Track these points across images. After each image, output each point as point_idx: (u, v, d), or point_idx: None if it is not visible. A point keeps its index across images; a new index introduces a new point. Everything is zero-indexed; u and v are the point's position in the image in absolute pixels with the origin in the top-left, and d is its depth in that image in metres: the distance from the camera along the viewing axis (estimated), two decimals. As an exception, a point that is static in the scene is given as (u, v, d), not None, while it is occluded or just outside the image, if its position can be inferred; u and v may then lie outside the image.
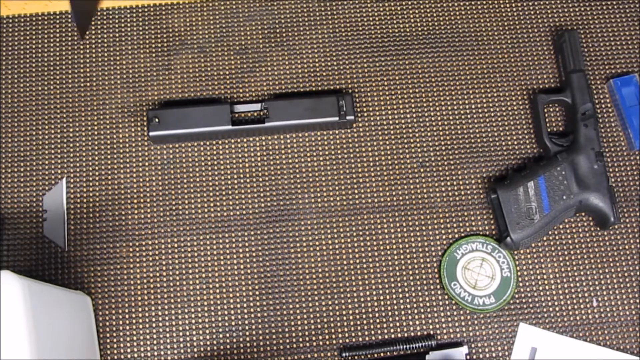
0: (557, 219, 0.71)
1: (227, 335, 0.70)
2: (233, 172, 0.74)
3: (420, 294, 0.72)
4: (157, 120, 0.72)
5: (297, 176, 0.74)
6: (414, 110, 0.76)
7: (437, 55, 0.78)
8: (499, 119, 0.76)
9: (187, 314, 0.71)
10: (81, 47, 0.77)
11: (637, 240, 0.73)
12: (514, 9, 0.79)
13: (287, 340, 0.70)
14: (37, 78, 0.76)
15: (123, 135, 0.75)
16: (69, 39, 0.77)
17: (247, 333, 0.71)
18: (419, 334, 0.71)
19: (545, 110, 0.76)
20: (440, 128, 0.76)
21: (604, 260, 0.73)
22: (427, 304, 0.71)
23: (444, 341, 0.71)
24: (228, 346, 0.70)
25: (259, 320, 0.71)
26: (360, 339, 0.71)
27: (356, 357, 0.70)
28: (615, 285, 0.72)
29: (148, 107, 0.75)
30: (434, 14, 0.79)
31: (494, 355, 0.70)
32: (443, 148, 0.75)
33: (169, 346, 0.70)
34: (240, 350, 0.70)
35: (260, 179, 0.74)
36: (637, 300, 0.72)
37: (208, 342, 0.70)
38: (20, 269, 0.71)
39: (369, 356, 0.70)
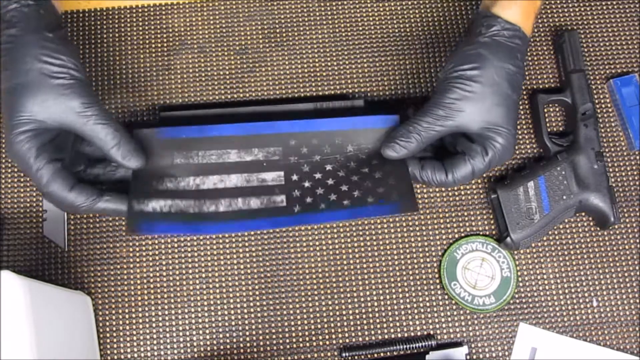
0: (557, 219, 0.71)
1: (227, 335, 0.70)
2: (233, 172, 0.74)
3: (420, 294, 0.72)
4: None
5: (297, 176, 0.74)
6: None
7: (437, 55, 0.78)
8: (499, 119, 0.76)
9: (187, 314, 0.71)
10: (81, 47, 0.77)
11: (637, 240, 0.73)
12: (514, 9, 0.79)
13: (287, 340, 0.70)
14: (37, 78, 0.76)
15: (123, 135, 0.75)
16: (69, 38, 0.77)
17: (247, 333, 0.71)
18: (419, 334, 0.71)
19: (545, 110, 0.76)
20: (440, 128, 0.76)
21: (604, 260, 0.73)
22: (427, 304, 0.71)
23: (444, 341, 0.71)
24: (228, 346, 0.70)
25: (259, 320, 0.71)
26: (360, 339, 0.71)
27: (356, 357, 0.70)
28: (615, 285, 0.72)
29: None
30: (434, 14, 0.79)
31: (494, 355, 0.70)
32: (443, 148, 0.75)
33: (169, 346, 0.70)
34: (240, 350, 0.70)
35: (260, 179, 0.74)
36: (637, 300, 0.72)
37: (208, 342, 0.70)
38: (20, 269, 0.71)
39: (369, 356, 0.70)
